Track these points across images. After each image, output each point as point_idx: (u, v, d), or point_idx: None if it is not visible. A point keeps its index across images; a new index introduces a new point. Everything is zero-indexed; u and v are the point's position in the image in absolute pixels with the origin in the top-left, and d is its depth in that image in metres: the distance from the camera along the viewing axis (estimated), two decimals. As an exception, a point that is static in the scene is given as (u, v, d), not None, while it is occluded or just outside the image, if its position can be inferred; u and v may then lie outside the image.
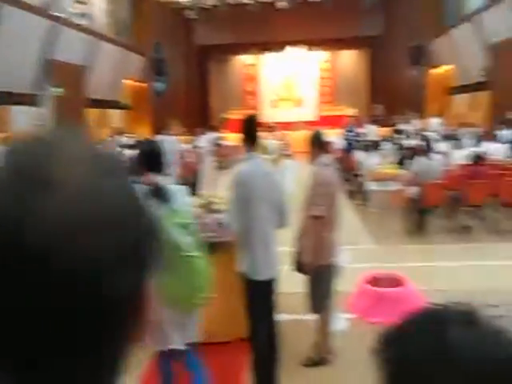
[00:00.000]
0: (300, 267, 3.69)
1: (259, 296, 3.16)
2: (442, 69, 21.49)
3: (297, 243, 3.76)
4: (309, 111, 22.83)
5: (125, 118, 16.53)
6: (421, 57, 19.62)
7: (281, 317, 4.30)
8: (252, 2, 19.10)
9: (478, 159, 7.50)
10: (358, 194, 9.26)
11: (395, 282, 4.75)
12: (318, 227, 3.53)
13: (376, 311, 4.40)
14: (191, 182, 7.71)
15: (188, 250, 2.61)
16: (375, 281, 4.74)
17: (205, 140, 10.35)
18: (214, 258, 3.90)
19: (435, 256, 6.17)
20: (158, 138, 9.73)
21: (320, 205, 3.52)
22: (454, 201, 7.30)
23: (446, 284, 5.16)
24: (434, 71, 21.81)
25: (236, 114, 22.64)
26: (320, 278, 3.61)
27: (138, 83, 17.38)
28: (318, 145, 3.77)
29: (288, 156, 11.22)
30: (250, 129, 3.32)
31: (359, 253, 6.12)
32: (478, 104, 18.19)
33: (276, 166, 9.84)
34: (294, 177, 9.08)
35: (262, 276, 3.16)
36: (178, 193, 2.83)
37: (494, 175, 7.64)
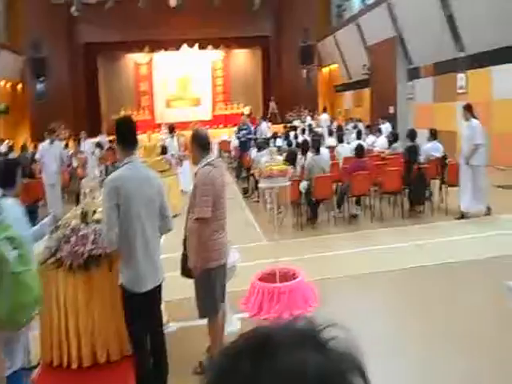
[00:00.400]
0: (188, 272, 3.57)
1: (142, 309, 2.99)
2: (330, 68, 22.75)
3: (184, 247, 3.63)
4: (205, 110, 22.74)
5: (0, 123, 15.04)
6: (310, 56, 20.52)
7: (170, 326, 4.17)
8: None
9: (361, 152, 7.96)
10: (252, 191, 9.36)
11: (289, 276, 4.83)
12: (204, 229, 3.43)
13: (270, 307, 4.43)
14: (75, 190, 7.16)
15: (14, 264, 2.51)
16: (269, 277, 4.77)
17: (90, 144, 9.74)
18: (95, 272, 3.65)
19: (327, 246, 6.42)
20: (41, 143, 9.01)
21: (204, 206, 3.42)
22: (342, 192, 7.68)
23: (337, 271, 5.40)
24: (323, 70, 23.00)
25: (131, 116, 21.78)
26: (209, 280, 3.51)
27: (14, 84, 15.91)
28: (199, 144, 3.66)
29: (184, 157, 11.02)
30: (126, 132, 3.14)
31: (254, 250, 6.16)
32: (362, 100, 19.54)
33: (175, 167, 9.62)
34: (191, 178, 8.92)
35: (146, 287, 2.99)
36: (9, 206, 2.75)
37: (376, 166, 8.19)
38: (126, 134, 3.14)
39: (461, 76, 13.07)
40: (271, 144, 9.47)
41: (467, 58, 12.70)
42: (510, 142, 10.18)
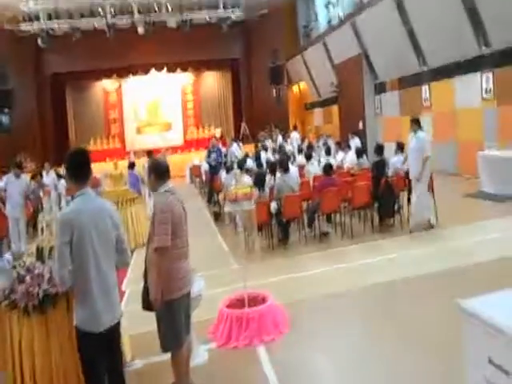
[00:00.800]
0: (149, 305, 3.45)
1: (99, 349, 2.85)
2: (300, 86, 23.08)
3: (144, 279, 3.52)
4: (176, 135, 22.69)
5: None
6: (280, 76, 20.78)
7: (135, 363, 4.02)
8: (106, 28, 18.32)
9: (330, 170, 7.98)
10: (223, 215, 9.28)
11: (258, 300, 4.73)
12: (164, 259, 3.34)
13: (239, 335, 4.32)
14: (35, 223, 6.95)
15: None
16: (237, 303, 4.67)
17: (53, 176, 9.54)
18: (52, 312, 3.49)
19: (298, 266, 6.34)
20: (5, 178, 8.79)
21: (163, 234, 3.34)
22: (312, 210, 7.66)
23: (309, 292, 5.31)
24: (293, 88, 23.33)
25: (101, 144, 21.60)
26: (170, 312, 3.40)
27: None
28: (156, 173, 3.61)
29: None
30: (76, 165, 3.05)
31: (224, 275, 6.05)
32: (331, 116, 19.83)
33: (148, 194, 9.50)
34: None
35: (103, 325, 2.86)
36: None
37: (345, 182, 8.22)
38: (77, 168, 3.05)
39: (425, 88, 13.41)
40: (235, 166, 9.41)
41: (430, 72, 13.05)
42: (474, 149, 10.40)
